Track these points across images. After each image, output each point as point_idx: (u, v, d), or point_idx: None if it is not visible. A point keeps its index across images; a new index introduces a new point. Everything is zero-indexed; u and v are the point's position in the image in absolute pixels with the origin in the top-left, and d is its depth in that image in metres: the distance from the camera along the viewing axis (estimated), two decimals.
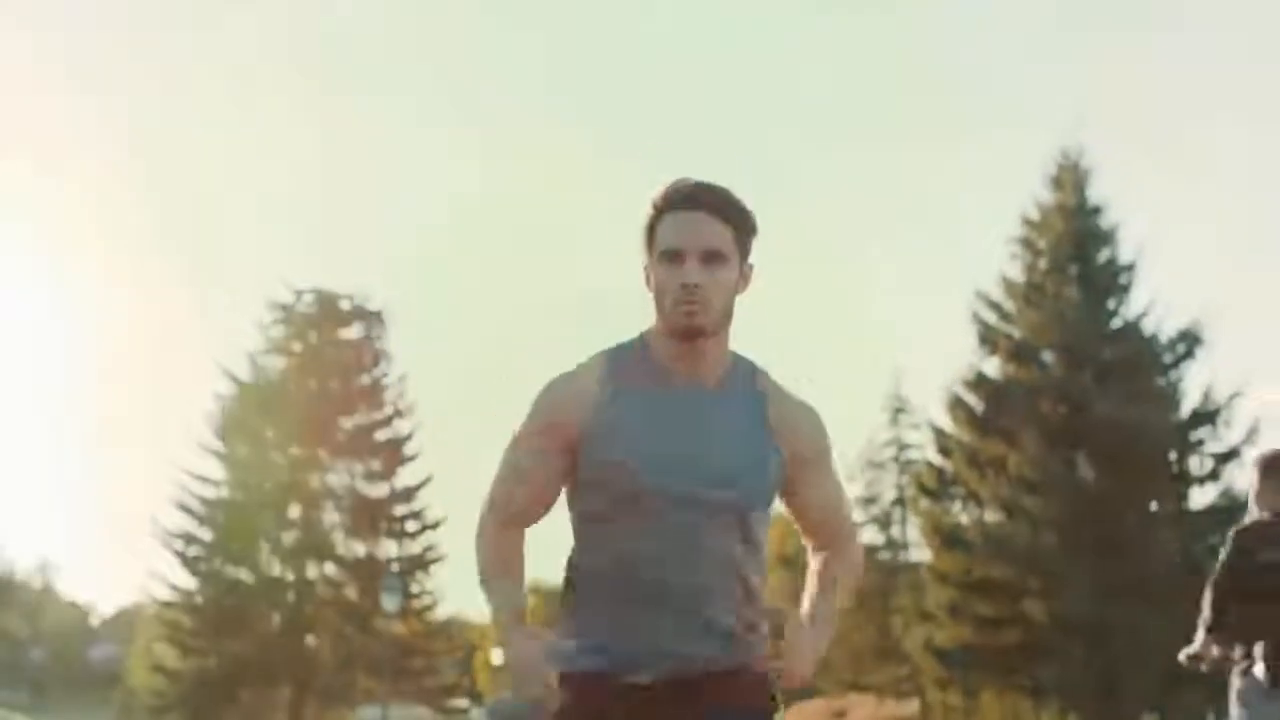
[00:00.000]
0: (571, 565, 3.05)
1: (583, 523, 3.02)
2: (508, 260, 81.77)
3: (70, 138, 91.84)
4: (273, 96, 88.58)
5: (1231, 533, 6.04)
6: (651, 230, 2.99)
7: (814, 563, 3.15)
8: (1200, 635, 6.01)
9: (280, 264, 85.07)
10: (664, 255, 2.95)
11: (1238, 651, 5.92)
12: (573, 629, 3.03)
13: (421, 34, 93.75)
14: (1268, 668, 5.77)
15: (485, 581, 3.03)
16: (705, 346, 2.98)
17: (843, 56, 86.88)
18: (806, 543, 3.18)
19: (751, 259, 3.05)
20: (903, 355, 73.88)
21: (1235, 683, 5.95)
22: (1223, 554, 6.02)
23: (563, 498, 3.05)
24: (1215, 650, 5.94)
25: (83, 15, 77.07)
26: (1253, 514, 6.05)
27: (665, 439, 2.94)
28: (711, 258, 2.93)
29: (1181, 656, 6.24)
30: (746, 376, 3.05)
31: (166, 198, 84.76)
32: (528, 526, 3.09)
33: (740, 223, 2.98)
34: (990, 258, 30.60)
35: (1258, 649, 5.84)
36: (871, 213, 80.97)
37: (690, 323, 2.92)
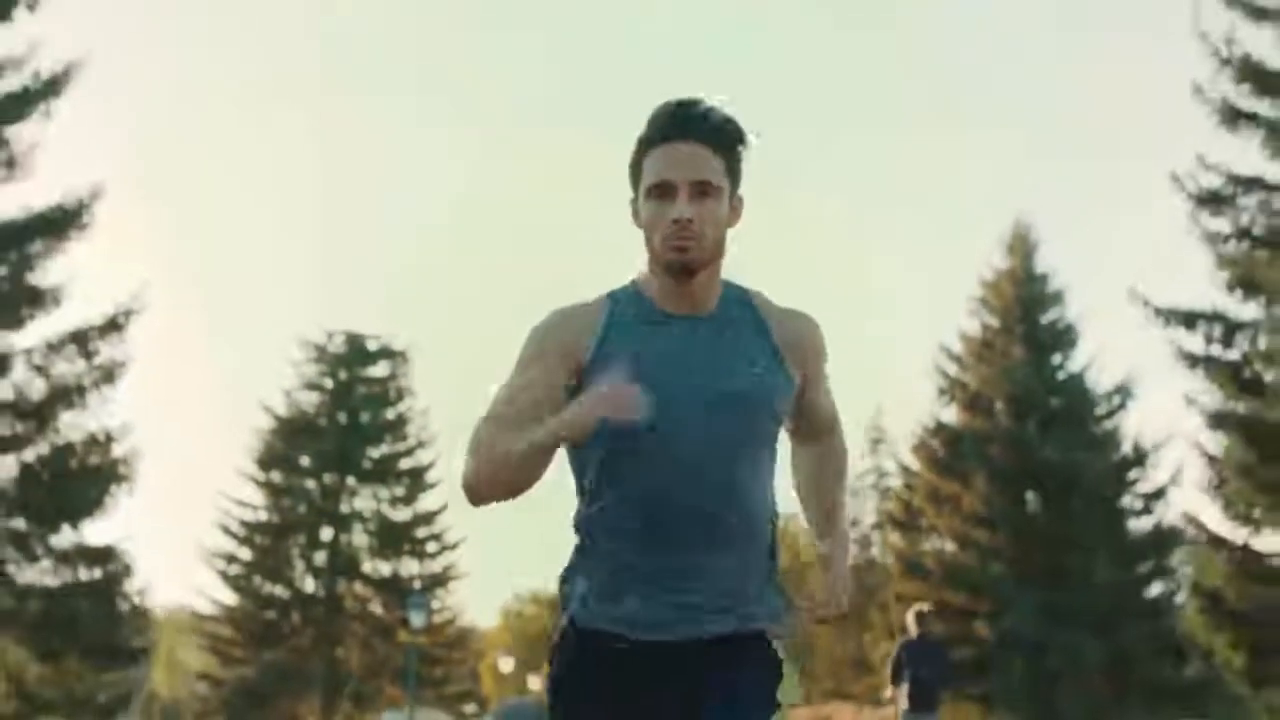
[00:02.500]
0: (577, 510, 3.08)
1: (589, 463, 3.04)
2: (522, 290, 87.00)
3: (75, 149, 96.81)
4: (277, 104, 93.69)
5: (898, 644, 12.50)
6: (638, 163, 3.03)
7: (810, 460, 3.34)
8: (890, 687, 12.27)
9: (299, 293, 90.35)
10: (652, 189, 2.97)
11: (901, 692, 12.28)
12: (584, 577, 3.06)
13: (426, 38, 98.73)
14: (909, 700, 12.57)
15: (505, 445, 2.88)
16: (697, 282, 3.01)
17: (842, 56, 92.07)
18: (797, 438, 3.32)
19: (741, 190, 3.06)
20: (891, 368, 79.12)
21: (898, 711, 12.30)
22: (894, 652, 12.37)
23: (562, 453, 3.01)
24: (896, 693, 12.20)
25: (94, 30, 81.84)
26: (908, 634, 12.31)
27: (667, 366, 2.98)
28: (702, 190, 2.96)
29: (882, 696, 12.76)
30: (740, 300, 3.11)
31: (170, 205, 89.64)
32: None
33: (730, 151, 3.01)
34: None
35: (904, 690, 12.64)
36: (867, 219, 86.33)
37: (682, 258, 2.96)
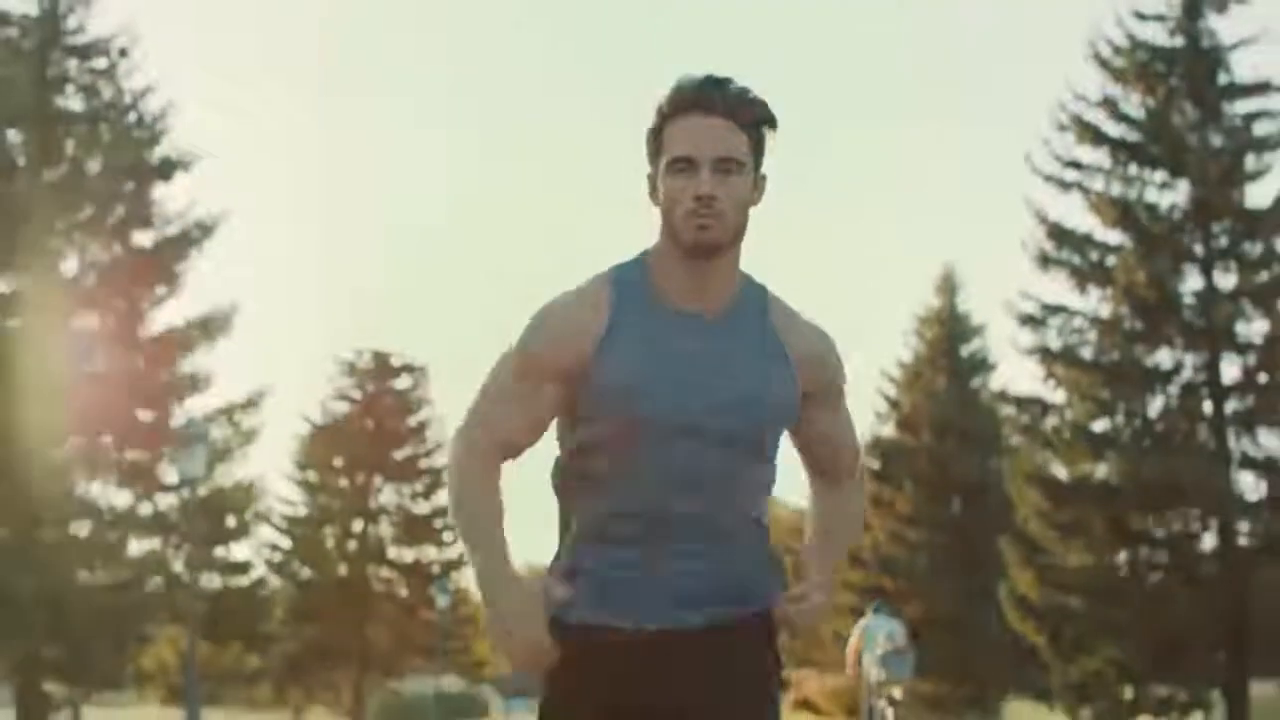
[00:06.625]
0: (567, 502, 3.26)
1: (582, 457, 3.21)
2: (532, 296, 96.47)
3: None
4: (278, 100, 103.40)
5: None
6: (658, 136, 3.13)
7: (824, 513, 3.45)
8: None
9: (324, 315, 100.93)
10: (673, 164, 3.07)
11: None
12: (571, 572, 3.21)
13: (429, 38, 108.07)
14: None
15: (471, 515, 3.17)
16: (716, 266, 3.12)
17: (846, 50, 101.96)
18: (811, 477, 3.45)
19: (764, 169, 3.16)
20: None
21: None
22: None
23: (552, 432, 3.27)
24: None
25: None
26: None
27: (671, 366, 3.10)
28: (726, 166, 3.06)
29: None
30: (757, 301, 3.21)
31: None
32: (512, 457, 3.23)
33: (756, 128, 3.12)
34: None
35: None
36: (856, 209, 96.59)
37: (704, 237, 3.06)
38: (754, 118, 3.12)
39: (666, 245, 3.14)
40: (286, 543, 52.00)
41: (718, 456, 3.13)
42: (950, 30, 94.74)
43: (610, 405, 3.12)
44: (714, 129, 3.06)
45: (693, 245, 3.08)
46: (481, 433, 3.20)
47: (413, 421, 53.73)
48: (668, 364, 3.11)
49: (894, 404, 46.99)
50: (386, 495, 53.00)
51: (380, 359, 53.95)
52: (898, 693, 20.32)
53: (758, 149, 3.14)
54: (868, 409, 47.18)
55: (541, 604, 3.11)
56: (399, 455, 53.11)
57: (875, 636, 20.53)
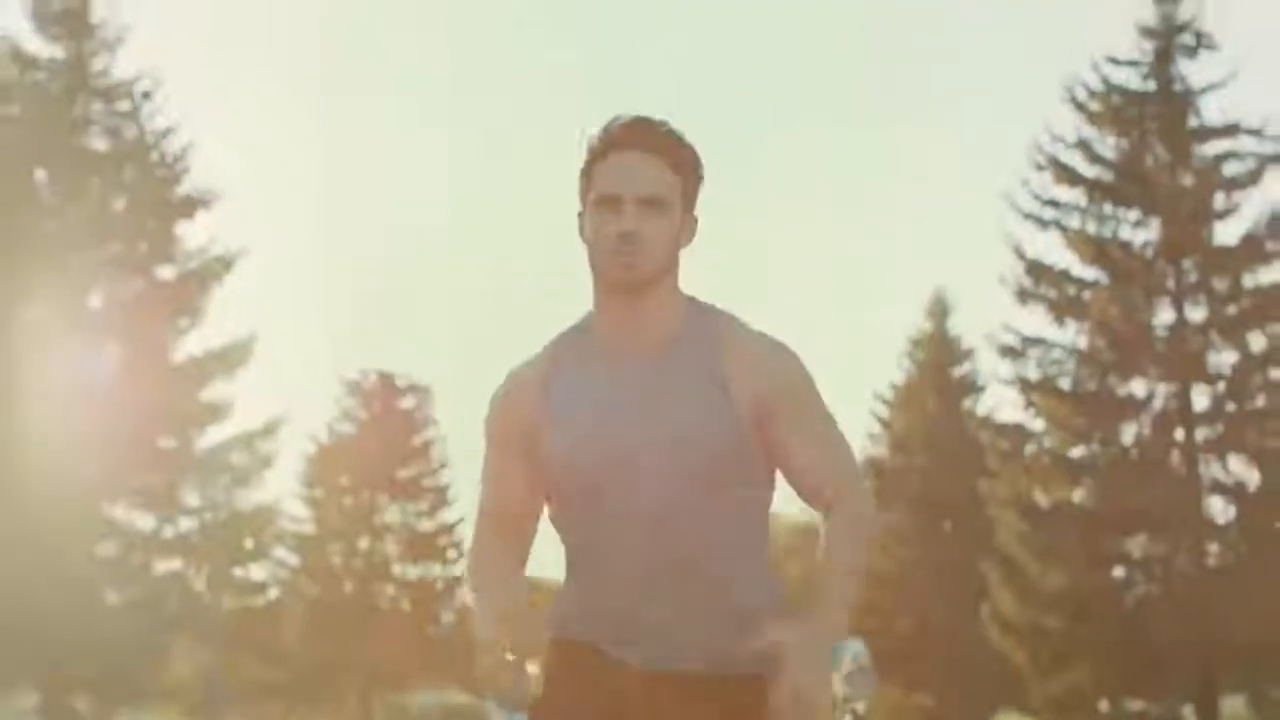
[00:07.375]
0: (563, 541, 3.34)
1: (554, 512, 3.31)
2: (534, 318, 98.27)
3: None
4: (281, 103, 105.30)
5: None
6: (587, 175, 3.15)
7: (821, 544, 3.22)
8: None
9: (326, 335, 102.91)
10: (599, 201, 3.10)
11: None
12: (566, 595, 3.32)
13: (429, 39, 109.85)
14: None
15: (475, 591, 3.30)
16: (647, 305, 3.14)
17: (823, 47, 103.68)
18: (810, 506, 3.27)
19: (696, 210, 3.19)
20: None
21: None
22: None
23: None
24: None
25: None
26: None
27: (604, 423, 3.14)
28: (650, 204, 3.08)
29: None
30: (701, 327, 3.17)
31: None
32: (519, 528, 3.35)
33: (683, 166, 3.14)
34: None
35: None
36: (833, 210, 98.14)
37: (628, 275, 3.09)
38: (682, 157, 3.16)
39: (595, 284, 3.20)
40: (294, 560, 53.64)
41: (654, 499, 3.12)
42: (947, 47, 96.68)
43: (555, 474, 3.23)
44: (640, 165, 3.10)
45: (615, 282, 3.13)
46: (480, 518, 3.42)
47: (418, 440, 55.44)
48: (605, 421, 3.16)
49: (887, 425, 48.91)
50: (391, 514, 54.68)
51: (385, 379, 55.70)
52: (861, 708, 22.43)
53: (687, 191, 3.17)
54: (862, 430, 49.16)
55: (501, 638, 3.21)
56: (404, 474, 54.86)
57: (841, 657, 22.64)
